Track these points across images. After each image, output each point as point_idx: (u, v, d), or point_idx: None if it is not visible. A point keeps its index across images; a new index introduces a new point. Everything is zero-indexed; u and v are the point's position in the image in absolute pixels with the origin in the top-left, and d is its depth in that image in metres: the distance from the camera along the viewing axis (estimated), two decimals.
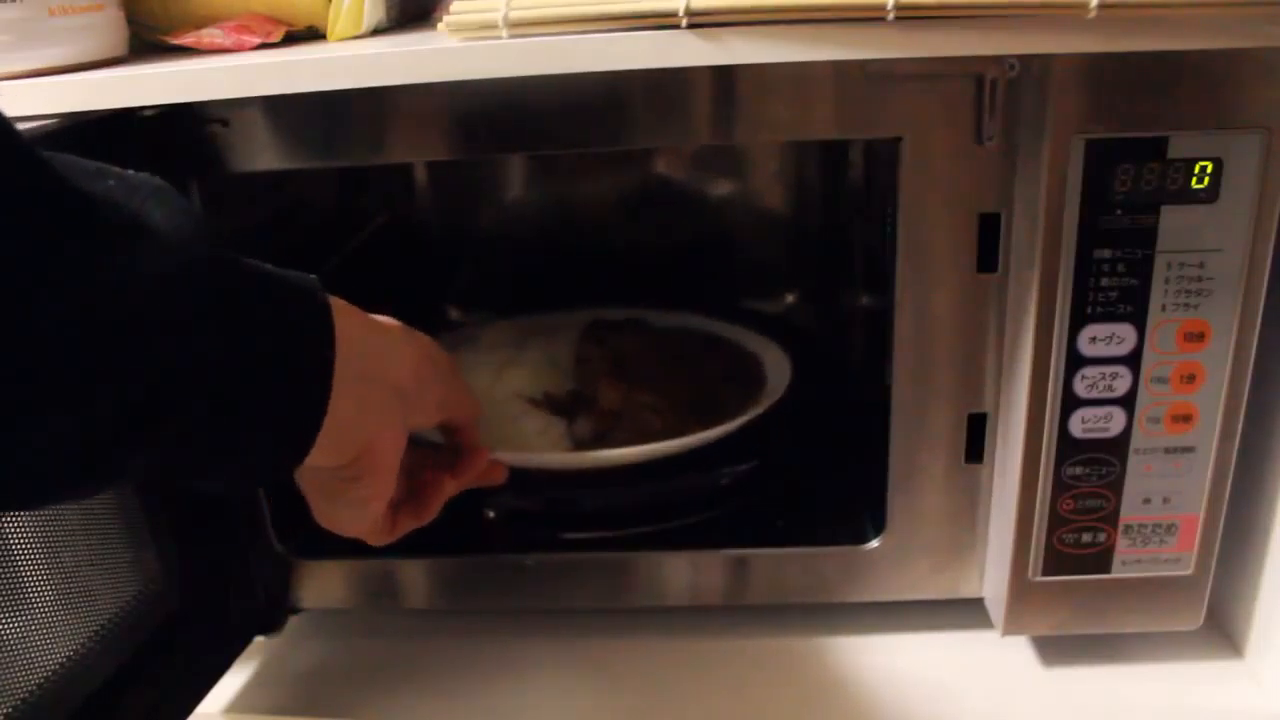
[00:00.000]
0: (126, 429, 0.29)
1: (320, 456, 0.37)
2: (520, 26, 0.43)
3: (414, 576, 0.59)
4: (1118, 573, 0.51)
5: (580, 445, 0.62)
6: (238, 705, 0.56)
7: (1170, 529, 0.50)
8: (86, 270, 0.27)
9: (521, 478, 0.56)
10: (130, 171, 0.33)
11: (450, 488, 0.49)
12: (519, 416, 0.64)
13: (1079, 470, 0.49)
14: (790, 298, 0.88)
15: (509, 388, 0.67)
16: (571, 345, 0.72)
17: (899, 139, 0.45)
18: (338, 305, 0.37)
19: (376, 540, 0.46)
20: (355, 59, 0.44)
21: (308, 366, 0.35)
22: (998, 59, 0.44)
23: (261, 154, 0.48)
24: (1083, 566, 0.50)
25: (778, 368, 0.69)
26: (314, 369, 0.36)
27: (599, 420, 0.63)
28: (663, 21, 0.42)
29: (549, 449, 0.61)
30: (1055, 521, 0.49)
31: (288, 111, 0.47)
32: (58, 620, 0.44)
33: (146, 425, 0.30)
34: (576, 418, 0.64)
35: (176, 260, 0.30)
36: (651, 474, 0.60)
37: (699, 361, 0.71)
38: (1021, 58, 0.43)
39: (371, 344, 0.39)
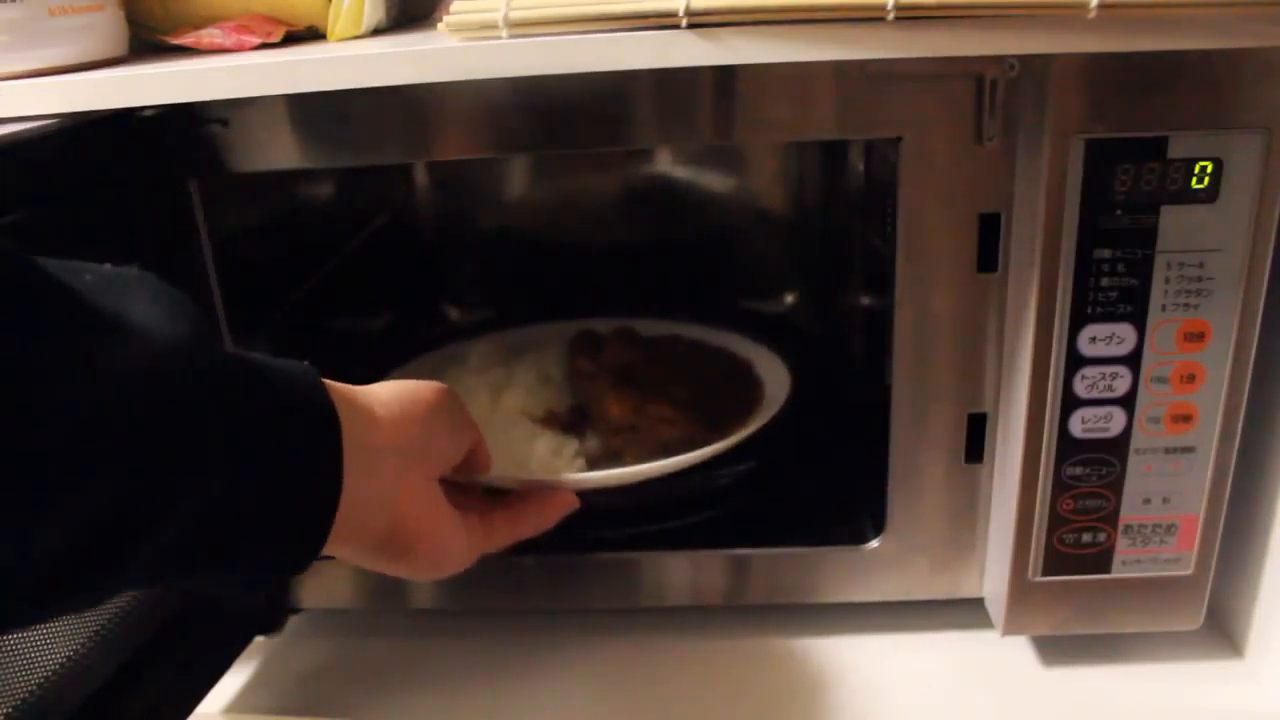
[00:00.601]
0: (117, 539, 0.27)
1: (343, 549, 0.36)
2: (520, 26, 0.43)
3: None
4: (1118, 573, 0.51)
5: (594, 461, 0.61)
6: (238, 705, 0.56)
7: (1170, 529, 0.50)
8: (65, 372, 0.25)
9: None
10: (106, 266, 0.31)
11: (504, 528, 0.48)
12: (529, 438, 0.62)
13: (1079, 470, 0.49)
14: (790, 298, 0.89)
15: (510, 409, 0.66)
16: (561, 360, 0.71)
17: (899, 139, 0.46)
18: (337, 393, 0.36)
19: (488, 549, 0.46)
20: (355, 59, 0.44)
21: (312, 464, 0.34)
22: (998, 59, 0.44)
23: (261, 154, 0.48)
24: (1083, 566, 0.50)
25: (772, 371, 0.68)
26: (320, 465, 0.34)
27: (611, 435, 0.62)
28: (663, 21, 0.42)
29: (566, 468, 0.60)
30: (1055, 521, 0.49)
31: (287, 111, 0.47)
32: (58, 620, 0.44)
33: (138, 534, 0.28)
34: (585, 433, 0.63)
35: (163, 357, 0.28)
36: (660, 478, 0.59)
37: (695, 369, 0.71)
38: (1021, 58, 0.43)
39: (375, 422, 0.38)
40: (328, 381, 0.37)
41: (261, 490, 0.32)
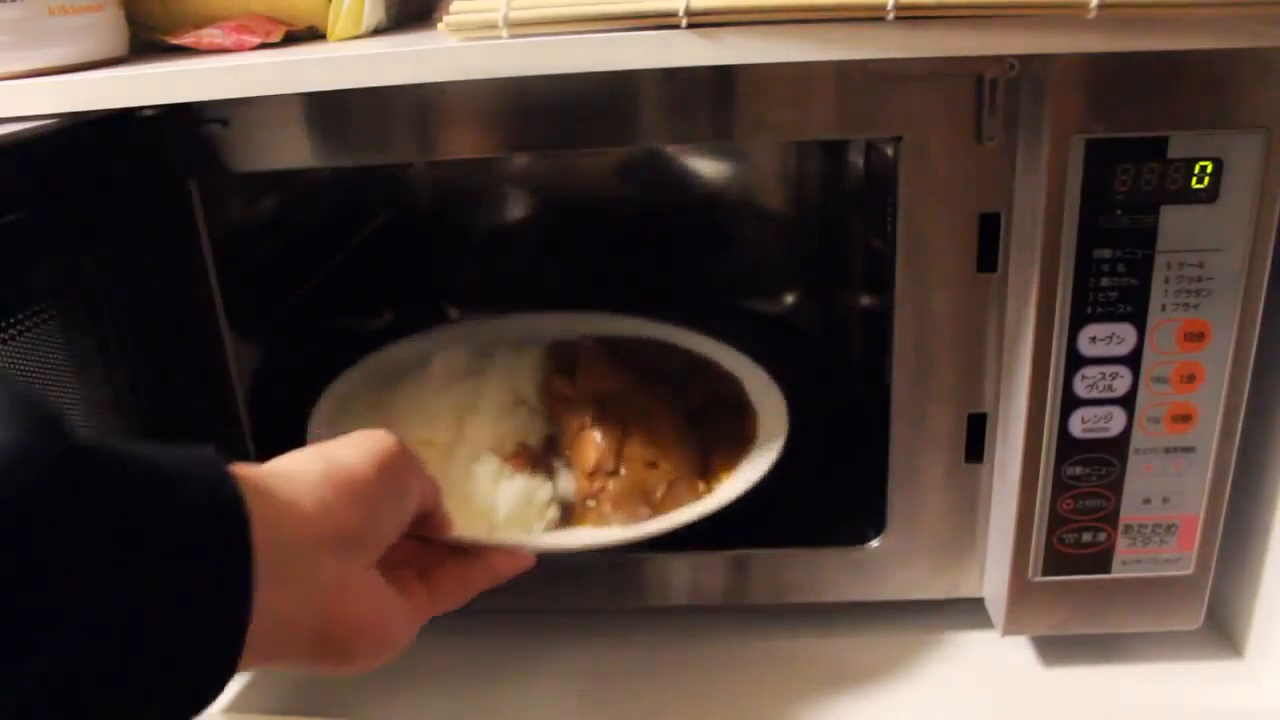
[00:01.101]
0: None
1: (264, 662, 0.31)
2: (520, 26, 0.43)
3: None
4: (1118, 573, 0.51)
5: (569, 510, 0.55)
6: (238, 705, 0.56)
7: (1170, 529, 0.50)
8: None
9: None
10: None
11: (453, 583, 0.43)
12: (496, 481, 0.54)
13: (1079, 470, 0.49)
14: (790, 298, 0.89)
15: (477, 440, 0.57)
16: (535, 377, 0.63)
17: (899, 139, 0.46)
18: (250, 483, 0.30)
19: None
20: (355, 59, 0.44)
21: (209, 584, 0.28)
22: (998, 59, 0.44)
23: (261, 154, 0.48)
24: (1083, 566, 0.50)
25: (765, 397, 0.63)
26: (220, 583, 0.28)
27: (590, 477, 0.56)
28: (663, 21, 0.42)
29: (537, 519, 0.53)
30: (1055, 521, 0.49)
31: (288, 111, 0.47)
32: None
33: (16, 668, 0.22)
34: (560, 472, 0.57)
35: (17, 474, 0.23)
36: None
37: (680, 390, 0.64)
38: (1021, 58, 0.43)
39: (300, 515, 0.33)
40: (241, 469, 0.30)
41: (134, 631, 0.25)
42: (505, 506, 0.53)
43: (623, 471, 0.55)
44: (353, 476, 0.35)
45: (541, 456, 0.58)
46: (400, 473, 0.38)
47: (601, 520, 0.54)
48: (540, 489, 0.54)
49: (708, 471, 0.57)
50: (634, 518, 0.54)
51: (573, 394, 0.61)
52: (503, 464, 0.55)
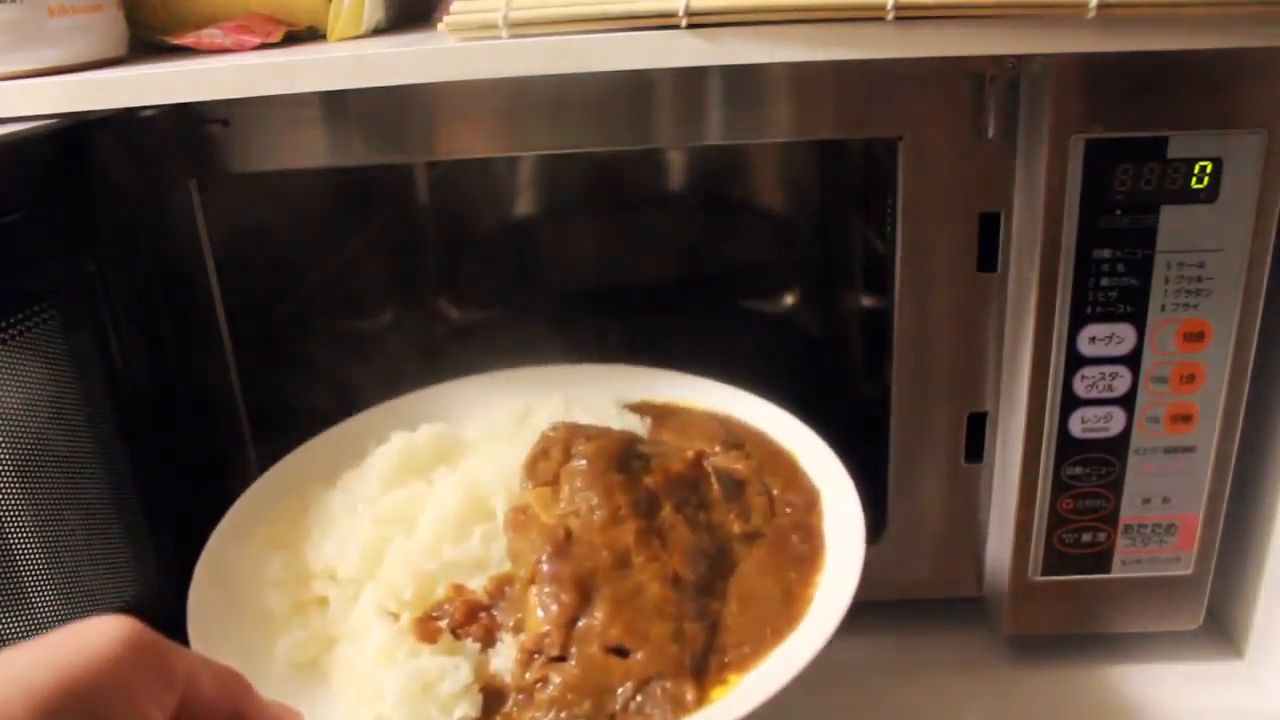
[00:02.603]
0: None
1: None
2: (520, 26, 0.43)
3: None
4: (1118, 572, 0.51)
5: (499, 702, 0.38)
6: None
7: (1170, 529, 0.50)
8: None
9: None
10: None
11: None
12: (390, 656, 0.39)
13: (1079, 470, 0.49)
14: (790, 298, 0.88)
15: (392, 585, 0.41)
16: (509, 475, 0.45)
17: (899, 138, 0.46)
18: None
19: None
20: (355, 59, 0.44)
21: None
22: (997, 59, 0.44)
23: (261, 154, 0.48)
24: (1083, 566, 0.50)
25: (841, 514, 0.44)
26: None
27: (527, 660, 0.38)
28: (662, 21, 0.42)
29: (440, 717, 0.37)
30: (1055, 521, 0.49)
31: (288, 111, 0.47)
32: (58, 620, 0.44)
33: None
34: (504, 639, 0.40)
35: None
36: None
37: (710, 510, 0.44)
38: (1021, 58, 0.43)
39: None
40: None
41: None
42: (394, 695, 0.37)
43: (572, 657, 0.38)
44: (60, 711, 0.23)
45: (485, 612, 0.40)
46: (102, 694, 0.24)
47: None
48: (454, 673, 0.38)
49: (706, 668, 0.38)
50: None
51: (541, 516, 0.42)
52: (410, 627, 0.39)
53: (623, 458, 0.44)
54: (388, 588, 0.41)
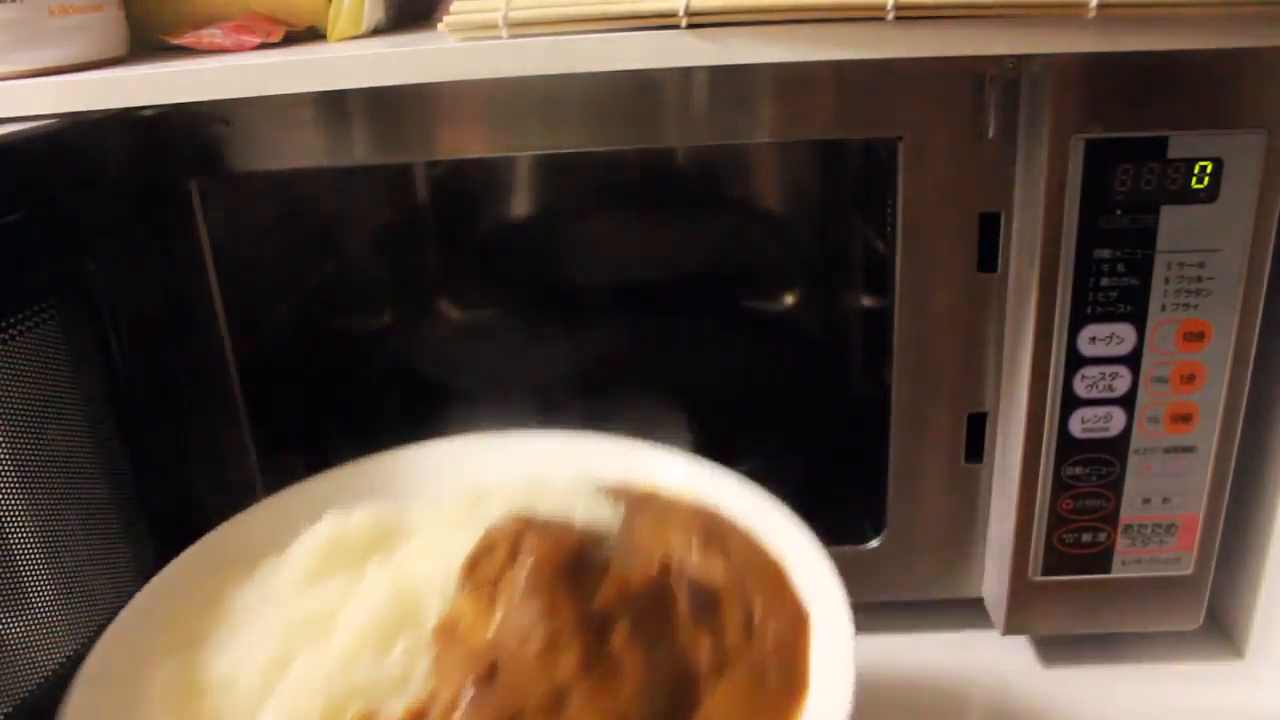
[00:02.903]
0: None
1: None
2: (520, 26, 0.43)
3: None
4: (1118, 572, 0.51)
5: None
6: None
7: (1170, 529, 0.50)
8: None
9: None
10: None
11: None
12: None
13: (1079, 470, 0.49)
14: (790, 298, 0.88)
15: (296, 702, 0.34)
16: (445, 576, 0.37)
17: (899, 138, 0.46)
18: None
19: None
20: (355, 59, 0.44)
21: None
22: (998, 59, 0.44)
23: (261, 154, 0.48)
24: (1083, 566, 0.50)
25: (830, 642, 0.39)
26: None
27: None
28: (663, 21, 0.42)
29: None
30: (1055, 521, 0.49)
31: (288, 111, 0.47)
32: (58, 620, 0.44)
33: None
34: None
35: None
36: None
37: (675, 630, 0.37)
38: (1021, 58, 0.43)
39: None
40: None
41: None
42: None
43: None
44: None
45: None
46: None
47: None
48: None
49: None
50: None
51: (471, 634, 0.35)
52: None
53: (574, 566, 0.37)
54: (289, 710, 0.34)
